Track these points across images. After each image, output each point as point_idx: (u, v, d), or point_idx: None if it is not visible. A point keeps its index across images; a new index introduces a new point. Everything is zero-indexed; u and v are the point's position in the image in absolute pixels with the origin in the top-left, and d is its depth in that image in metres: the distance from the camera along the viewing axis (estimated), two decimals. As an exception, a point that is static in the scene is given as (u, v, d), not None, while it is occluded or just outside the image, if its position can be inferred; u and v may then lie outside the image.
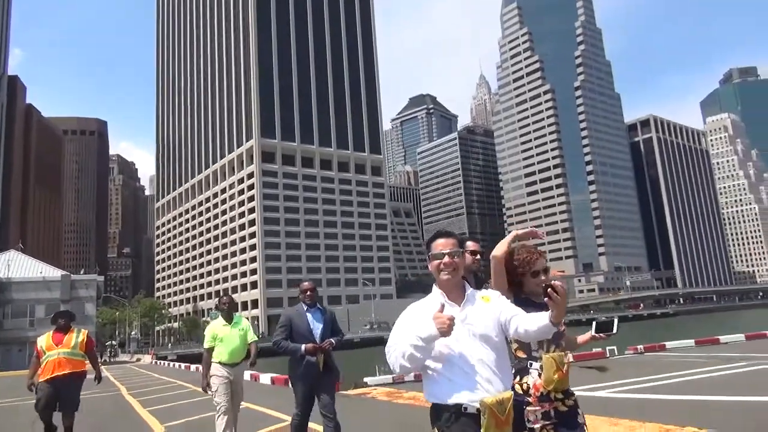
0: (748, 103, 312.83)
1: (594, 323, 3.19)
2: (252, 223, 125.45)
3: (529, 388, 2.82)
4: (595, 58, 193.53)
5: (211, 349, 6.37)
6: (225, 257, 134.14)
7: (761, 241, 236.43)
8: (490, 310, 2.61)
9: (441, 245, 2.72)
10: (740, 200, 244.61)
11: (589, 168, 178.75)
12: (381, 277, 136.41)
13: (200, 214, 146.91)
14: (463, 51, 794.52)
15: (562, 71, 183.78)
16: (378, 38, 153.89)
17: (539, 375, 2.82)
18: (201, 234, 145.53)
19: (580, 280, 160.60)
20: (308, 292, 5.51)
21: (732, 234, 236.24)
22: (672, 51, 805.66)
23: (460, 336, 2.48)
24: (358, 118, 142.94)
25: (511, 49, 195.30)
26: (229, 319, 6.52)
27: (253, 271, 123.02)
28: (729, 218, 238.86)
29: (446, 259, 2.66)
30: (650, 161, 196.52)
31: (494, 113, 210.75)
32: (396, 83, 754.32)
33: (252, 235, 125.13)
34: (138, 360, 55.90)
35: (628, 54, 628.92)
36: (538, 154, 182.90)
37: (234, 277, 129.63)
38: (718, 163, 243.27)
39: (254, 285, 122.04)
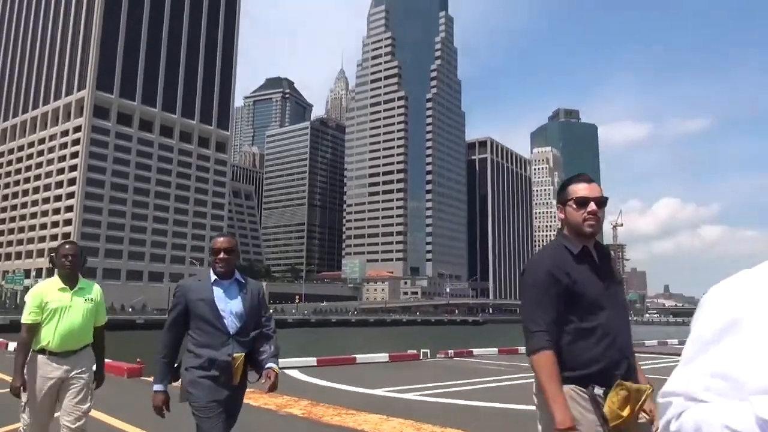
0: (568, 141, 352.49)
1: None
2: (72, 182, 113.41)
3: None
4: (448, 74, 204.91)
5: (33, 327, 3.92)
6: (34, 216, 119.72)
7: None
8: None
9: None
10: (550, 226, 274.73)
11: (429, 177, 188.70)
12: (210, 258, 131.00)
13: (9, 163, 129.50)
14: (328, 41, 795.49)
15: (417, 81, 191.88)
16: (243, 9, 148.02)
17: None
18: (7, 186, 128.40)
19: (406, 283, 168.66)
20: (221, 254, 3.30)
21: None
22: (516, 82, 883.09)
23: None
24: (209, 89, 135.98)
25: (373, 50, 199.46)
26: (70, 281, 4.09)
27: (66, 236, 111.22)
28: (540, 241, 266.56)
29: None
30: (482, 180, 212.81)
31: (348, 110, 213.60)
32: (255, 60, 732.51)
33: (70, 196, 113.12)
34: None
35: (476, 76, 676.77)
36: (384, 157, 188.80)
37: (42, 239, 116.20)
38: (537, 191, 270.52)
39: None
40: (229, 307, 3.23)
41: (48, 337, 3.93)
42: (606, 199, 2.26)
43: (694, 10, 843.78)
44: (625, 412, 2.03)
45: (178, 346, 3.22)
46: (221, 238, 3.38)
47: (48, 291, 4.04)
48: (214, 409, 3.08)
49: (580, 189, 2.28)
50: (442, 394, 9.33)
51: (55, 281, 4.10)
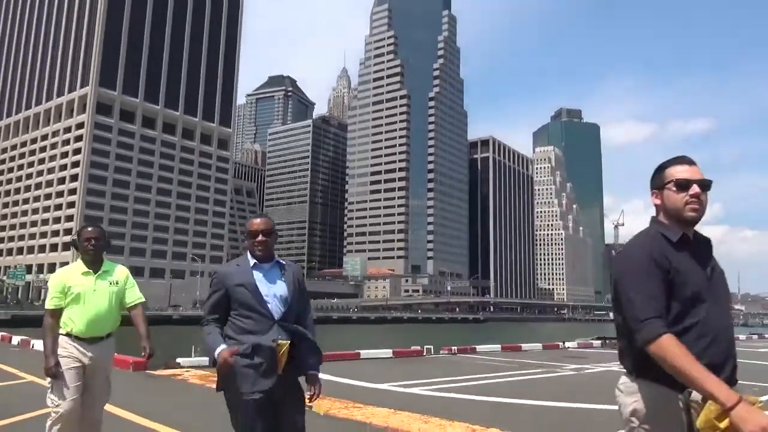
0: (570, 141, 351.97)
1: None
2: (74, 178, 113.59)
3: None
4: (450, 73, 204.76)
5: (56, 312, 3.77)
6: (36, 212, 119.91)
7: (562, 264, 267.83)
8: None
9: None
10: (552, 225, 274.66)
11: (431, 176, 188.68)
12: (212, 255, 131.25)
13: (12, 159, 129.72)
14: (331, 40, 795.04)
15: (419, 80, 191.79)
16: (246, 7, 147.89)
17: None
18: (9, 182, 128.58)
19: (407, 281, 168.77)
20: (259, 236, 3.07)
21: (540, 254, 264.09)
22: (519, 81, 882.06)
23: None
24: (211, 86, 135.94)
25: (376, 49, 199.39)
26: (94, 264, 3.90)
27: (68, 231, 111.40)
28: (540, 240, 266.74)
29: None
30: (484, 179, 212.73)
31: (351, 108, 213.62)
32: (258, 58, 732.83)
33: (72, 192, 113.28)
34: None
35: (479, 75, 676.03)
36: (386, 155, 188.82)
37: (44, 234, 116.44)
38: (539, 190, 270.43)
39: (67, 246, 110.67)
40: (273, 291, 3.05)
41: (73, 322, 3.75)
42: (710, 182, 2.03)
43: (699, 9, 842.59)
44: (723, 424, 1.72)
45: (224, 326, 3.04)
46: (258, 219, 3.13)
47: (71, 275, 3.85)
48: (257, 402, 2.87)
49: (680, 171, 2.03)
50: (447, 389, 9.36)
51: (78, 265, 3.90)
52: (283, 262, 3.18)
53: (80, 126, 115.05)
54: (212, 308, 3.04)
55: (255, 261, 3.08)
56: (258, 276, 3.04)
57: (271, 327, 2.95)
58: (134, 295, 4.01)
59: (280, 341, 2.90)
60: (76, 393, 3.65)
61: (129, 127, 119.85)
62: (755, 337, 28.91)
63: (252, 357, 2.88)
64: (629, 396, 2.00)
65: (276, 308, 2.99)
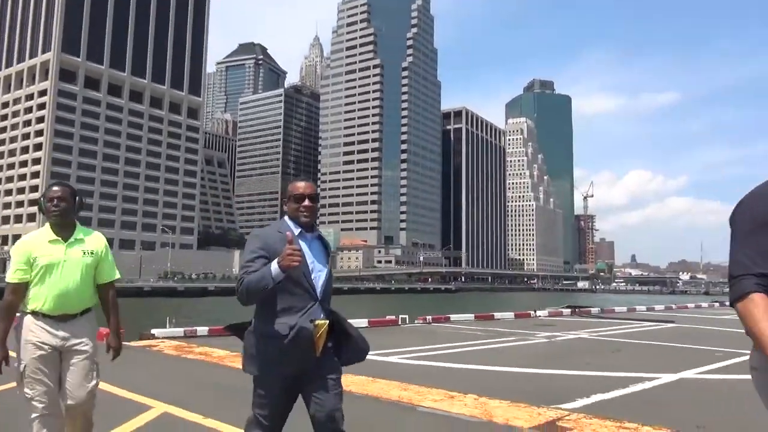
0: (542, 112, 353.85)
1: None
2: (38, 147, 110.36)
3: None
4: (424, 43, 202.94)
5: (20, 287, 3.15)
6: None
7: (533, 235, 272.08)
8: None
9: None
10: (523, 197, 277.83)
11: (404, 147, 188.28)
12: (182, 226, 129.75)
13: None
14: (302, 7, 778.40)
15: (393, 49, 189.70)
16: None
17: None
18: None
19: (380, 251, 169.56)
20: (306, 200, 2.75)
21: (512, 225, 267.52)
22: (492, 51, 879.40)
23: None
24: (180, 53, 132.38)
25: (348, 17, 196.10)
26: (63, 231, 3.27)
27: (33, 202, 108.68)
28: (512, 211, 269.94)
29: None
30: (457, 150, 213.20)
31: (323, 77, 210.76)
32: (227, 24, 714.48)
33: (36, 161, 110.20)
34: None
35: (453, 46, 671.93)
36: (359, 125, 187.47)
37: (7, 205, 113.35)
38: (510, 161, 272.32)
39: (32, 217, 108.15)
40: (317, 266, 2.71)
41: (39, 299, 3.15)
42: None
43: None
44: None
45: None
46: (302, 183, 2.79)
47: (37, 244, 3.21)
48: (284, 384, 2.63)
49: None
50: (423, 357, 9.50)
51: (46, 232, 3.27)
52: (323, 234, 2.88)
53: (43, 93, 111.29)
54: (258, 264, 2.61)
55: (301, 228, 2.74)
56: (304, 247, 2.67)
57: (312, 306, 2.64)
58: (108, 271, 3.38)
59: (318, 322, 2.62)
60: (49, 383, 3.10)
61: (94, 94, 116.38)
62: (717, 305, 29.93)
63: (287, 338, 2.57)
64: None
65: (319, 285, 2.69)
